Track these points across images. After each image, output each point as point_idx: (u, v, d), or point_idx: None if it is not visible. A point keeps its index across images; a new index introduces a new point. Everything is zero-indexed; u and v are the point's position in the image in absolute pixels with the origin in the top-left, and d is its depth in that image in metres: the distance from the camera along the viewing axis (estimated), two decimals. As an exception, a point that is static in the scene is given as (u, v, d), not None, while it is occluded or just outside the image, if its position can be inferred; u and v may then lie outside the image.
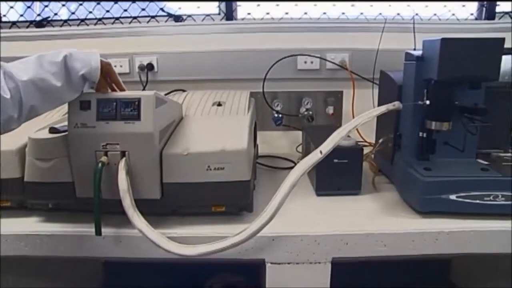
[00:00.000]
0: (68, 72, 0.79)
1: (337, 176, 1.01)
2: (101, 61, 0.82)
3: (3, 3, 1.69)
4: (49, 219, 0.95)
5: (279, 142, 1.53)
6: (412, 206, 0.92)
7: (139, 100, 0.80)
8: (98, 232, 0.82)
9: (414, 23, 1.15)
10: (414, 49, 1.00)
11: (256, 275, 1.64)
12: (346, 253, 0.85)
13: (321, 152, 0.83)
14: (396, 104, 0.91)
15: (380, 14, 1.51)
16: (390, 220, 0.90)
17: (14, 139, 0.91)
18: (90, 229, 0.87)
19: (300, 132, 1.46)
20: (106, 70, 0.83)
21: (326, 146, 0.84)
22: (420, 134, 0.94)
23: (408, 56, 0.96)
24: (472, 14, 1.60)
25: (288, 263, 0.86)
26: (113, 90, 0.87)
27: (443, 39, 0.83)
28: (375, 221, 0.89)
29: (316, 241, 0.84)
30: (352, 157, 1.00)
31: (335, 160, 0.99)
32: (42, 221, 0.94)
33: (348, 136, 0.94)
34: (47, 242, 0.90)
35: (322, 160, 0.85)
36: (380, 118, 0.95)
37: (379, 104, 1.12)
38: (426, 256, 0.86)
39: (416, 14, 1.44)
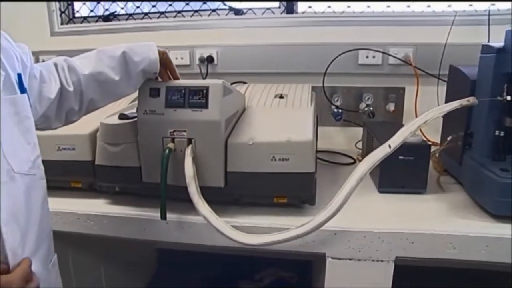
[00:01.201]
0: (127, 66, 0.82)
1: (402, 173, 0.97)
2: (158, 51, 0.84)
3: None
4: (115, 202, 1.00)
5: (337, 138, 1.50)
6: (485, 209, 0.86)
7: (207, 88, 0.81)
8: (163, 217, 0.84)
9: (489, 15, 1.08)
10: (488, 42, 0.94)
11: (306, 272, 1.63)
12: (411, 253, 0.81)
13: (390, 147, 0.80)
14: (471, 100, 0.86)
15: (450, 6, 1.43)
16: (460, 222, 0.85)
17: (86, 124, 0.96)
18: (154, 214, 0.90)
19: (358, 129, 1.42)
20: (164, 60, 0.85)
21: (395, 141, 0.81)
22: (497, 132, 0.88)
23: (486, 49, 0.90)
24: None
25: (350, 259, 0.84)
26: (169, 78, 0.89)
27: (531, 29, 0.77)
28: (442, 222, 0.85)
29: (380, 238, 0.82)
30: (418, 154, 0.96)
31: (400, 157, 0.95)
32: (109, 203, 0.99)
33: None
34: (114, 223, 0.94)
35: (386, 157, 0.82)
36: (447, 115, 0.89)
37: (446, 101, 1.06)
38: (498, 264, 0.80)
39: (493, 4, 1.34)
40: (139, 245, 1.67)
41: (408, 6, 1.48)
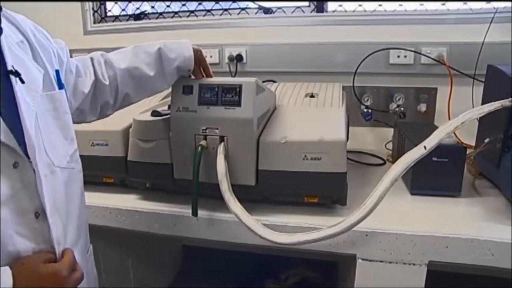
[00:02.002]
0: (162, 63, 0.83)
1: (435, 175, 0.95)
2: (193, 49, 0.85)
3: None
4: (146, 197, 1.01)
5: (366, 138, 1.48)
6: (526, 215, 0.83)
7: (240, 86, 0.81)
8: (195, 213, 0.85)
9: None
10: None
11: (331, 273, 1.62)
12: (445, 257, 0.79)
13: (425, 148, 0.78)
14: (514, 101, 0.83)
15: (489, 2, 1.38)
16: (498, 227, 0.81)
17: (119, 121, 0.98)
18: (184, 210, 0.91)
19: (387, 129, 1.40)
20: (198, 57, 0.86)
21: (431, 142, 0.79)
22: (540, 135, 0.85)
23: (530, 47, 0.87)
24: None
25: (380, 261, 0.82)
26: (203, 76, 0.90)
27: None
28: (480, 227, 0.82)
29: (413, 241, 0.80)
30: (453, 156, 0.93)
31: (434, 158, 0.93)
32: (140, 199, 1.01)
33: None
34: (144, 219, 0.96)
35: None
36: (484, 117, 0.86)
37: (483, 102, 1.03)
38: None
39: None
40: (166, 241, 1.69)
41: (443, 4, 1.44)
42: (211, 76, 0.89)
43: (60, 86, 0.69)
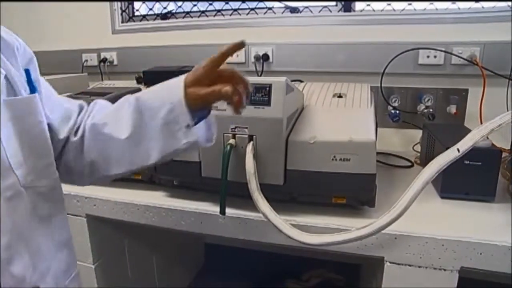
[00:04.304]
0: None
1: (468, 179, 0.92)
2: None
3: None
4: (173, 195, 1.02)
5: (393, 139, 1.45)
6: None
7: (270, 86, 0.81)
8: (223, 212, 0.85)
9: None
10: None
11: (354, 275, 1.60)
12: (479, 264, 0.77)
13: (458, 150, 0.76)
14: (553, 103, 0.80)
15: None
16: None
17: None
18: (210, 208, 0.92)
19: (415, 131, 1.38)
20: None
21: (465, 144, 0.77)
22: None
23: None
24: None
25: (409, 265, 0.81)
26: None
27: None
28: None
29: (444, 245, 0.78)
30: (487, 160, 0.91)
31: (466, 162, 0.90)
32: (168, 196, 1.02)
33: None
34: (172, 216, 0.97)
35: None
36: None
37: (519, 104, 1.00)
38: None
39: None
40: (189, 239, 1.71)
41: (477, 1, 1.39)
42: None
43: (32, 89, 0.58)
